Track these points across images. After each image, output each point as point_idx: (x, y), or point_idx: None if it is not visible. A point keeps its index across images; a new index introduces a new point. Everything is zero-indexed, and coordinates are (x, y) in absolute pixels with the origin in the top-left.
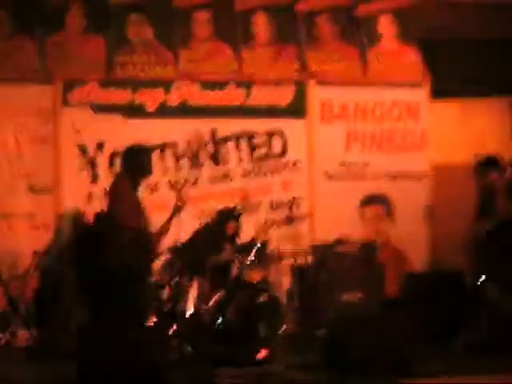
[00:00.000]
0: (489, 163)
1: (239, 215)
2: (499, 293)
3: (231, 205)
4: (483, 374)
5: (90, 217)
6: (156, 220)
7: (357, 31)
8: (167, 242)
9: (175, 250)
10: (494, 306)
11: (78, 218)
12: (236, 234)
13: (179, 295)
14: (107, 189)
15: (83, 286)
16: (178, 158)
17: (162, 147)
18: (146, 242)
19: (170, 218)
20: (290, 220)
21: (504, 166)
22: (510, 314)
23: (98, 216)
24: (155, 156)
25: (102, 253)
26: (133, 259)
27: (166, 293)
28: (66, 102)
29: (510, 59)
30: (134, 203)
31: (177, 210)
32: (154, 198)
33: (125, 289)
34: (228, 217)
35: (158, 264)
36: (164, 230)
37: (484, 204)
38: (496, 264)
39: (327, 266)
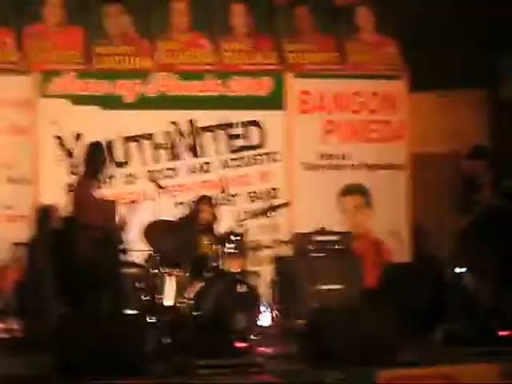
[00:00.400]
0: (477, 154)
1: (211, 199)
2: (478, 283)
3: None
4: (463, 364)
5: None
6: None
7: (335, 23)
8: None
9: (154, 242)
10: (472, 296)
11: (52, 212)
12: (212, 220)
13: (158, 286)
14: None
15: (60, 279)
16: (155, 150)
17: (140, 138)
18: (115, 237)
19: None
20: (268, 211)
21: (491, 157)
22: (488, 304)
23: (64, 219)
24: (133, 147)
25: (71, 251)
26: (104, 254)
27: (144, 284)
28: (43, 93)
29: (487, 51)
30: (98, 202)
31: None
32: (133, 189)
33: (100, 282)
34: (200, 202)
35: (136, 256)
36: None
37: (467, 195)
38: (478, 255)
39: (306, 256)
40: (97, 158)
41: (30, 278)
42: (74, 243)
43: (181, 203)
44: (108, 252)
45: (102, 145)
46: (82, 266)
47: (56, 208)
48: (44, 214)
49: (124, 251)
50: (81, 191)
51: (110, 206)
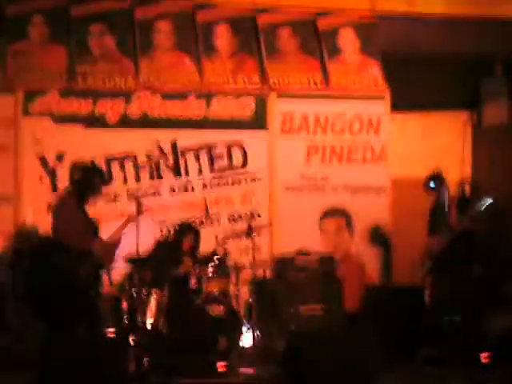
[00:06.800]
0: (435, 180)
1: (196, 230)
2: (453, 307)
3: (190, 218)
4: None
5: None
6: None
7: (318, 44)
8: (126, 253)
9: (134, 262)
10: (449, 321)
11: (33, 232)
12: (194, 248)
13: (138, 307)
14: (53, 207)
15: (37, 300)
16: (138, 169)
17: (123, 158)
18: (94, 258)
19: (121, 228)
20: (249, 232)
21: (447, 182)
22: (464, 328)
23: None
24: (115, 167)
25: (49, 271)
26: (82, 274)
27: (125, 305)
28: (26, 112)
29: (470, 73)
30: (81, 221)
31: (129, 220)
32: (115, 209)
33: (77, 302)
34: (185, 231)
35: (117, 276)
36: (115, 239)
37: (435, 219)
38: (450, 279)
39: (286, 278)
40: (91, 180)
41: (7, 296)
42: (53, 263)
43: (163, 223)
44: (87, 272)
45: (100, 169)
46: (62, 286)
47: (36, 228)
48: (25, 235)
49: (102, 271)
50: (67, 209)
51: (92, 225)
